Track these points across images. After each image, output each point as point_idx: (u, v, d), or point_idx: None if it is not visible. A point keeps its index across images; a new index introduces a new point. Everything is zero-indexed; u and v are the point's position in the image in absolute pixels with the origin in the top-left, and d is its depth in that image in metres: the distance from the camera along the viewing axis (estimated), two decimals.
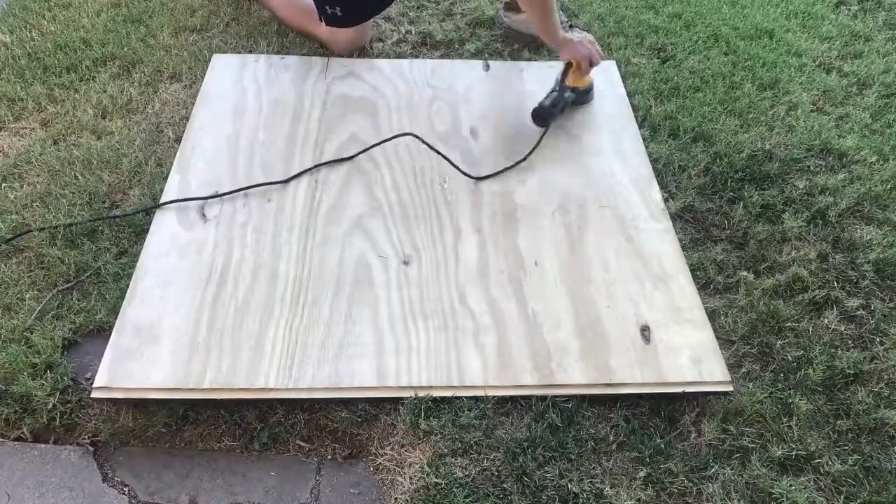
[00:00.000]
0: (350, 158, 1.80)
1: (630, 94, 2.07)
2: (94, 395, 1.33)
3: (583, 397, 1.35)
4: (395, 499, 1.23)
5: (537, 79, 2.11)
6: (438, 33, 2.34)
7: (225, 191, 1.71)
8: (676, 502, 1.24)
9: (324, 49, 2.22)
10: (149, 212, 1.66)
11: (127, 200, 1.72)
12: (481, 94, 2.06)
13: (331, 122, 1.93)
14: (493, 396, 1.35)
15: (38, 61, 2.13)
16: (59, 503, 1.25)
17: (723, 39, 2.32)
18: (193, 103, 1.97)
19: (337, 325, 1.44)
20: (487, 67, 2.17)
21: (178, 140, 1.87)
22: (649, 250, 1.62)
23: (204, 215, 1.66)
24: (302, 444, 1.34)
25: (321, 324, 1.45)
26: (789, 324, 1.50)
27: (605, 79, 2.12)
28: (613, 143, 1.90)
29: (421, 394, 1.34)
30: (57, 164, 1.79)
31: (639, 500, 1.22)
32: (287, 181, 1.73)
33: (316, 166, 1.78)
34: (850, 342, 1.49)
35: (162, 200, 1.68)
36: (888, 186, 1.81)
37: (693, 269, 1.59)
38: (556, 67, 2.18)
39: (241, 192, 1.71)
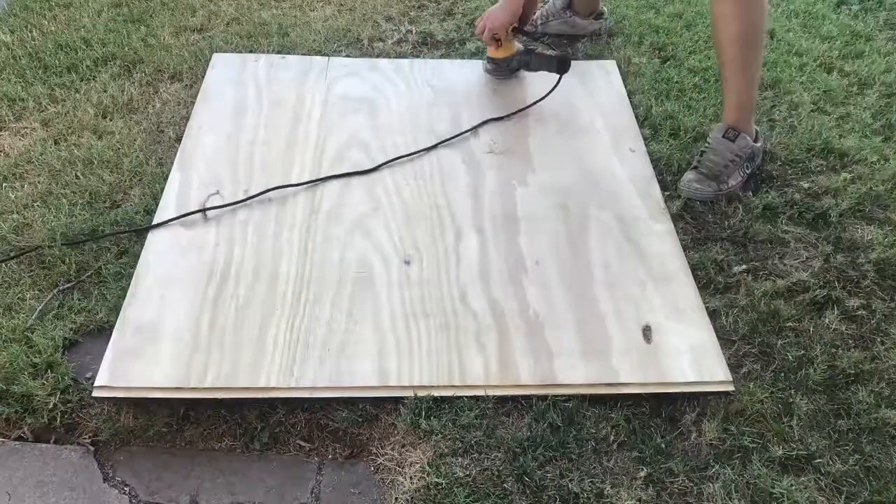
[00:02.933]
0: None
1: (630, 94, 2.07)
2: (94, 394, 1.33)
3: (583, 397, 1.35)
4: (396, 498, 1.23)
5: (538, 77, 2.11)
6: (439, 33, 2.34)
7: (226, 190, 1.71)
8: (677, 502, 1.24)
9: (323, 51, 2.23)
10: (139, 232, 1.62)
11: (128, 200, 1.72)
12: (482, 93, 2.06)
13: (331, 121, 1.93)
14: (494, 396, 1.35)
15: (38, 61, 2.13)
16: (59, 503, 1.25)
17: None
18: (194, 103, 1.97)
19: (338, 324, 1.44)
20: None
21: (179, 139, 1.87)
22: (650, 250, 1.62)
23: (205, 214, 1.66)
24: (303, 443, 1.34)
25: (322, 323, 1.44)
26: (790, 323, 1.50)
27: (605, 78, 2.12)
28: (614, 143, 1.90)
29: (421, 393, 1.34)
30: (58, 164, 1.79)
31: (639, 499, 1.22)
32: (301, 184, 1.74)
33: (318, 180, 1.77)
34: (850, 342, 1.48)
35: (163, 199, 1.68)
36: (889, 186, 1.81)
37: (693, 269, 1.59)
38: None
39: (242, 190, 1.71)
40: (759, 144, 1.82)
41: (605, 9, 2.31)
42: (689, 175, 1.78)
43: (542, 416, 1.32)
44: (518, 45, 2.06)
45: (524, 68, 2.06)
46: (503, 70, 2.07)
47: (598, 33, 2.29)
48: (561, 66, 1.98)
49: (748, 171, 1.80)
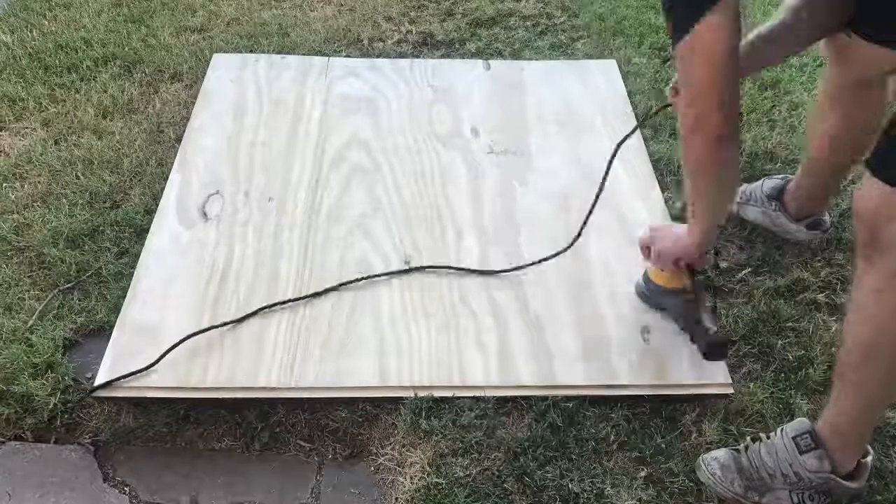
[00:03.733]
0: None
1: (631, 94, 2.07)
2: (95, 394, 1.32)
3: (583, 398, 1.35)
4: (396, 498, 1.23)
5: (538, 77, 2.11)
6: (439, 33, 2.34)
7: (226, 191, 1.71)
8: (677, 502, 1.24)
9: (323, 51, 2.23)
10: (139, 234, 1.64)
11: (128, 200, 1.72)
12: (482, 93, 2.06)
13: (331, 121, 1.93)
14: (494, 396, 1.35)
15: (39, 61, 2.13)
16: (60, 503, 1.25)
17: None
18: (194, 103, 1.97)
19: (338, 324, 1.44)
20: (488, 67, 2.17)
21: (179, 140, 1.87)
22: None
23: (205, 214, 1.66)
24: (303, 443, 1.34)
25: (323, 323, 1.44)
26: (790, 323, 1.50)
27: (606, 78, 2.12)
28: (614, 143, 1.89)
29: (422, 393, 1.34)
30: (58, 164, 1.79)
31: (640, 499, 1.22)
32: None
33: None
34: None
35: (163, 199, 1.68)
36: None
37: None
38: (557, 67, 2.18)
39: (242, 191, 1.71)
40: (853, 485, 1.20)
41: (829, 219, 1.66)
42: (718, 453, 1.26)
43: (542, 417, 1.32)
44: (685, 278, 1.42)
45: (675, 317, 1.46)
46: (655, 299, 1.48)
47: (807, 245, 1.65)
48: (711, 352, 1.36)
49: None
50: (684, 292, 1.40)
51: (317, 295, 1.49)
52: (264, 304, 1.46)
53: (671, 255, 1.36)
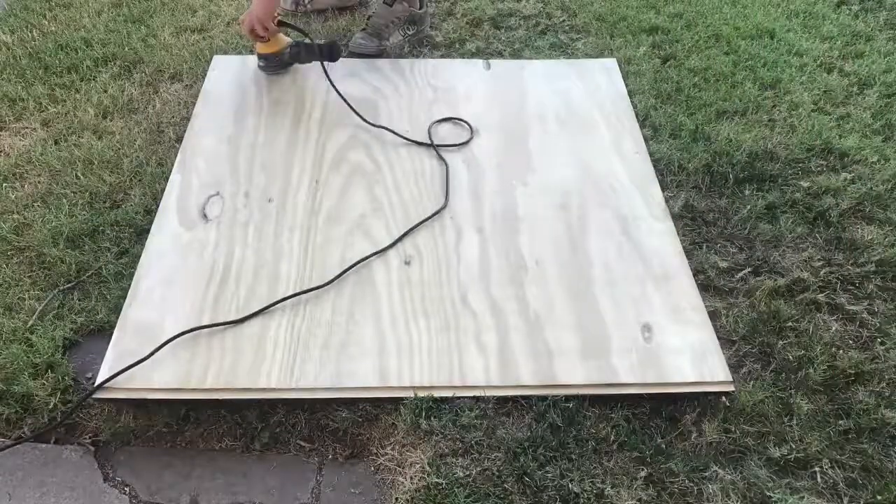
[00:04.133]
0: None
1: (631, 94, 2.07)
2: (95, 394, 1.33)
3: (584, 397, 1.35)
4: (396, 499, 1.23)
5: (539, 77, 2.11)
6: (439, 33, 2.34)
7: (226, 191, 1.71)
8: (677, 502, 1.24)
9: None
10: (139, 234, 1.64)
11: (128, 200, 1.72)
12: (482, 93, 2.06)
13: (331, 122, 1.93)
14: (494, 396, 1.35)
15: (39, 61, 2.13)
16: (60, 503, 1.25)
17: (724, 39, 2.32)
18: (194, 103, 1.97)
19: (338, 324, 1.44)
20: (488, 66, 2.17)
21: (179, 140, 1.87)
22: (650, 250, 1.62)
23: (205, 215, 1.66)
24: (303, 443, 1.34)
25: (323, 324, 1.44)
26: (790, 324, 1.50)
27: (607, 77, 2.12)
28: (614, 143, 1.89)
29: (422, 394, 1.34)
30: (58, 164, 1.79)
31: (640, 500, 1.22)
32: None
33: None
34: (850, 342, 1.49)
35: (163, 199, 1.68)
36: (889, 186, 1.81)
37: (694, 270, 1.59)
38: (557, 67, 2.18)
39: (242, 192, 1.71)
40: (420, 10, 2.22)
41: None
42: (356, 34, 2.17)
43: (542, 417, 1.32)
44: (287, 39, 2.07)
45: (296, 61, 2.08)
46: (276, 65, 2.08)
47: (365, 2, 2.42)
48: (331, 54, 2.02)
49: (410, 33, 2.22)
50: (288, 47, 2.06)
51: (318, 288, 1.50)
52: (264, 305, 1.46)
53: (263, 15, 1.92)
